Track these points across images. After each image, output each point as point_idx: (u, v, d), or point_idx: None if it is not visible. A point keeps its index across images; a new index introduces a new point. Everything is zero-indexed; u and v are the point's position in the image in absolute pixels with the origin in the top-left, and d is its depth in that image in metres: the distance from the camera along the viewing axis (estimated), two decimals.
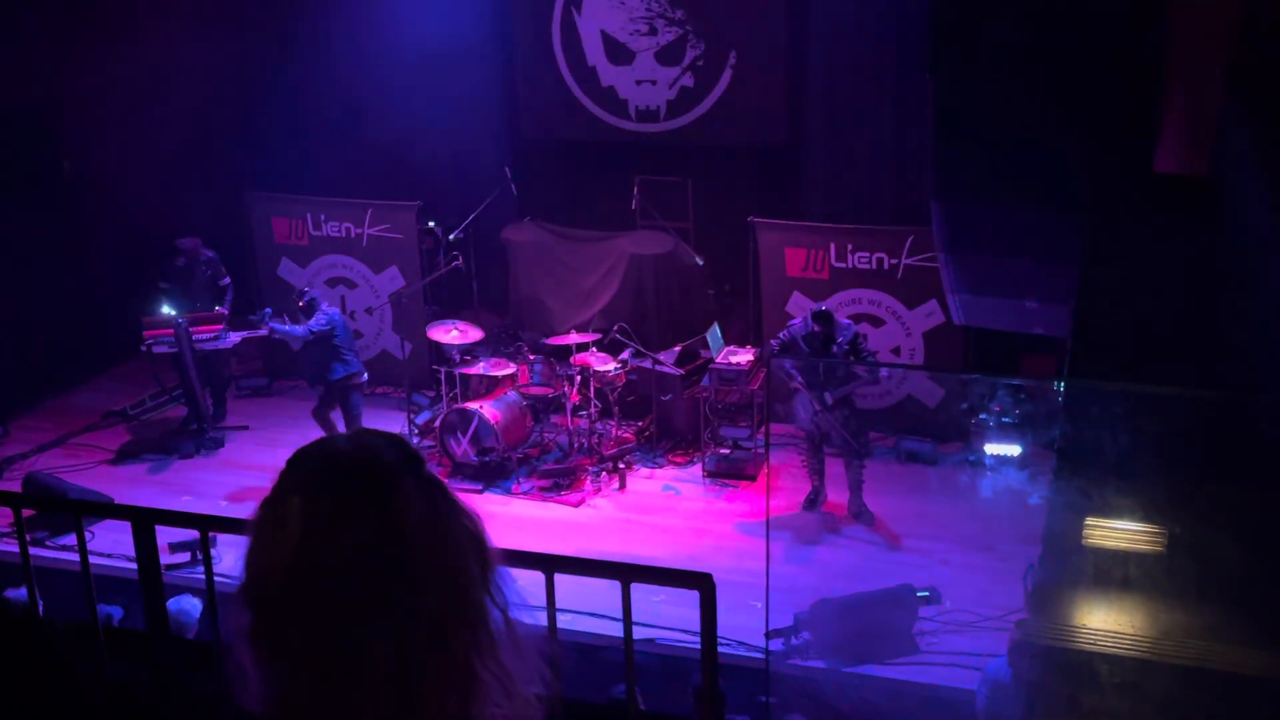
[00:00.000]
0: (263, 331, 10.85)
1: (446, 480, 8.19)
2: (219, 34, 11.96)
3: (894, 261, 10.72)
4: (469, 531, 1.48)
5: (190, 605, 7.12)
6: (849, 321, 9.83)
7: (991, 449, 9.58)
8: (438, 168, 12.84)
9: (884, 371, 10.43)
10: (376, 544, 1.38)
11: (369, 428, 1.60)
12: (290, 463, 1.46)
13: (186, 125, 12.13)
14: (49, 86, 11.67)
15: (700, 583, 2.90)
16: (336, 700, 1.36)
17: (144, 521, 3.44)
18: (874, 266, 10.81)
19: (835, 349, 9.38)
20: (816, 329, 9.31)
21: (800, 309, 11.05)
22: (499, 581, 1.49)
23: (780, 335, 9.76)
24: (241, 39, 12.39)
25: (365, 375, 10.54)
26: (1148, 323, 4.43)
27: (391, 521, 1.39)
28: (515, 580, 1.56)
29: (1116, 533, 3.72)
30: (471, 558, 1.45)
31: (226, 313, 11.39)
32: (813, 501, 9.83)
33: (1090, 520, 3.73)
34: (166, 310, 11.13)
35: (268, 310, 10.83)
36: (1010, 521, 8.54)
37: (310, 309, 10.38)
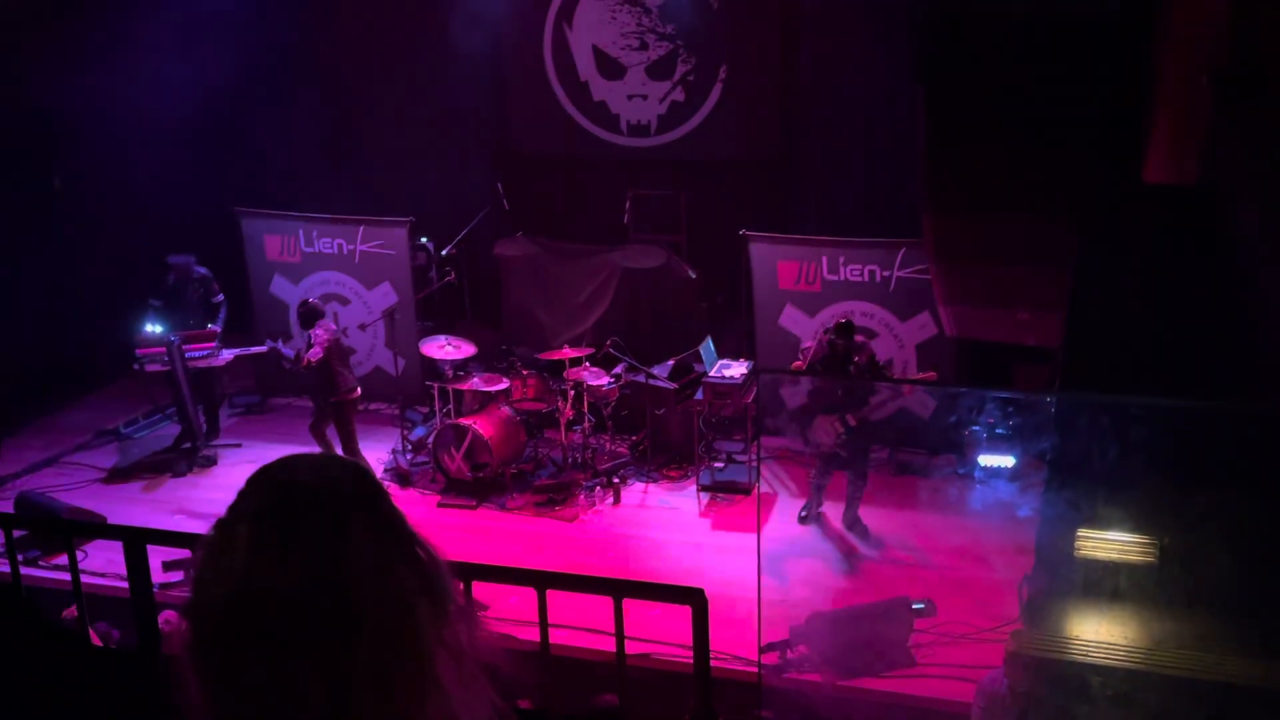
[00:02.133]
0: (263, 349, 10.84)
1: (440, 497, 8.18)
2: (211, 50, 11.96)
3: (886, 274, 10.73)
4: (424, 574, 1.43)
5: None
6: (863, 339, 9.67)
7: (985, 460, 9.58)
8: (430, 183, 12.85)
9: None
10: (319, 582, 1.34)
11: (336, 455, 1.58)
12: (250, 481, 1.44)
13: (179, 141, 12.15)
14: (40, 102, 11.67)
15: (692, 598, 2.89)
16: None
17: (135, 541, 3.43)
18: (866, 279, 10.82)
19: (852, 368, 9.23)
20: (837, 341, 9.18)
21: (793, 322, 11.07)
22: (454, 622, 1.46)
23: (803, 349, 9.68)
24: (233, 55, 12.39)
25: (359, 391, 10.49)
26: (1139, 333, 4.44)
27: (336, 561, 1.36)
28: (478, 615, 1.53)
29: (1109, 544, 3.72)
30: (423, 601, 1.41)
31: (219, 330, 11.37)
32: (806, 516, 9.79)
33: (1082, 531, 3.73)
34: (156, 328, 11.11)
35: (276, 342, 10.75)
36: (1004, 533, 8.55)
37: (310, 316, 10.32)
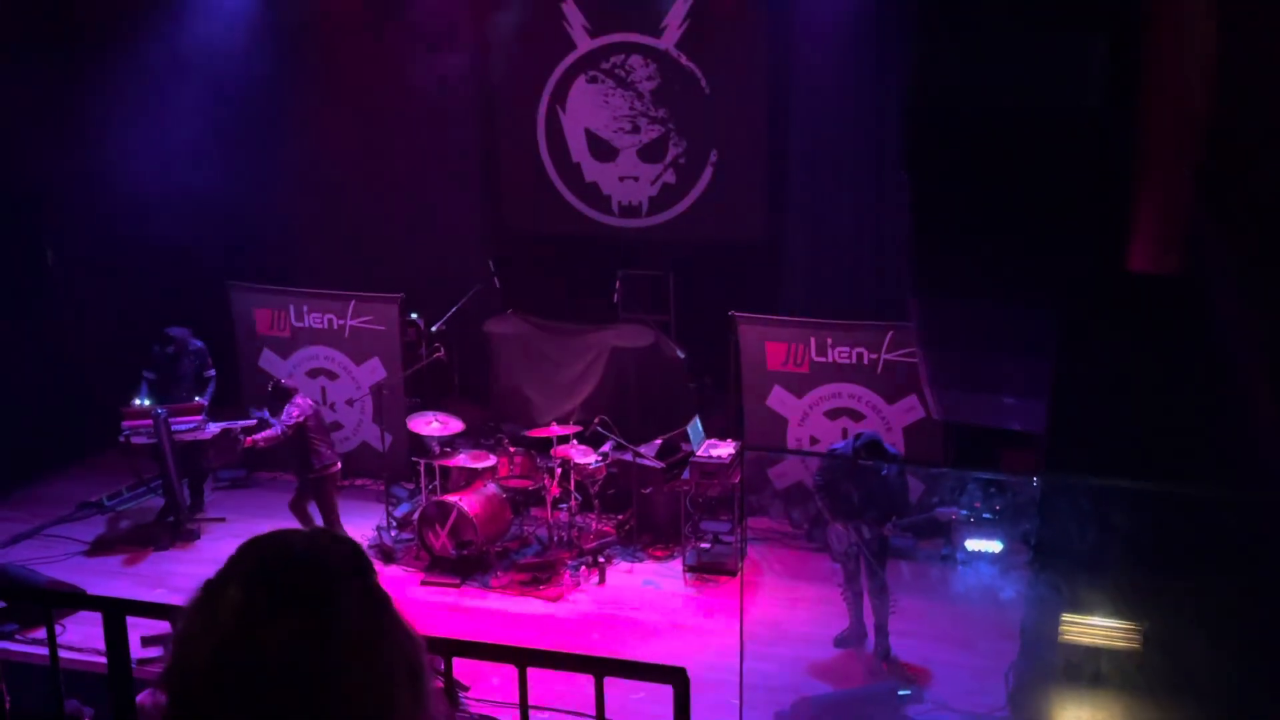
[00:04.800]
0: (251, 422, 10.85)
1: (424, 574, 8.16)
2: (202, 126, 12.10)
3: (874, 356, 10.80)
4: (405, 651, 1.44)
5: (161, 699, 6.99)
6: (896, 450, 9.41)
7: (972, 544, 9.54)
8: (421, 259, 12.94)
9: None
10: (306, 648, 1.35)
11: (326, 530, 1.58)
12: (242, 547, 1.45)
13: (170, 216, 12.22)
14: (33, 175, 11.77)
15: (674, 678, 2.88)
16: None
17: (115, 612, 3.41)
18: (854, 361, 10.89)
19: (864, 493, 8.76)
20: (864, 460, 8.66)
21: (781, 403, 11.10)
22: (432, 702, 1.47)
23: (827, 451, 9.44)
24: (225, 132, 12.55)
25: (339, 466, 10.47)
26: (1121, 419, 4.47)
27: (325, 628, 1.37)
28: (457, 694, 1.55)
29: (1092, 629, 3.71)
30: (403, 678, 1.42)
31: (206, 404, 11.37)
32: (846, 639, 9.14)
33: (1066, 616, 3.73)
34: (147, 401, 11.12)
35: (263, 413, 10.76)
36: (991, 618, 8.51)
37: (280, 395, 10.31)
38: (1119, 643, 3.67)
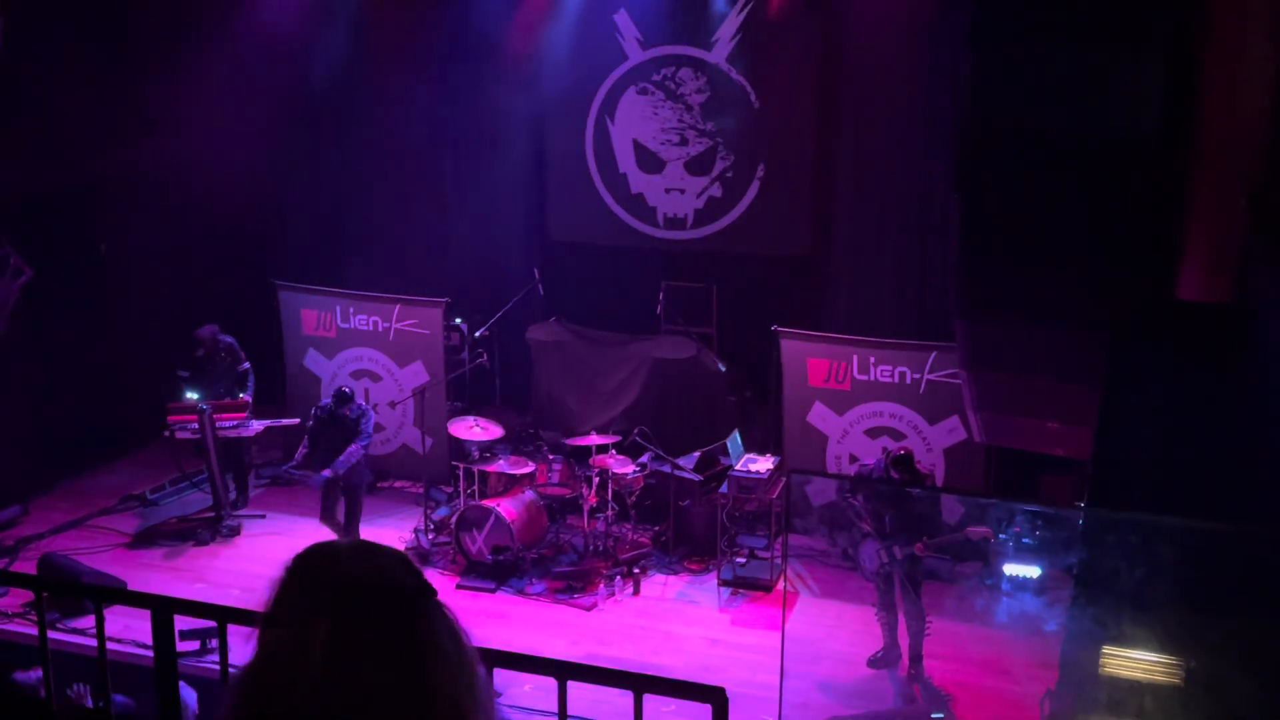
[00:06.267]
0: (293, 421, 10.93)
1: (459, 578, 8.17)
2: (256, 126, 12.24)
3: (916, 376, 10.73)
4: (471, 661, 1.47)
5: (187, 695, 7.04)
6: (927, 469, 9.40)
7: (1010, 570, 9.45)
8: (467, 265, 13.01)
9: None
10: (402, 681, 1.36)
11: (371, 542, 1.56)
12: (292, 575, 1.43)
13: (222, 214, 12.38)
14: (90, 171, 11.93)
15: (713, 697, 2.87)
16: None
17: (164, 610, 3.44)
18: (896, 380, 10.83)
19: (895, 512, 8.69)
20: (894, 474, 8.64)
21: (822, 419, 11.05)
22: (491, 707, 1.48)
23: (862, 465, 9.41)
24: (278, 133, 12.68)
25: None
26: (1169, 451, 4.41)
27: (419, 660, 1.38)
28: (500, 704, 1.57)
29: (1134, 663, 3.67)
30: (476, 685, 1.44)
31: (249, 399, 11.48)
32: (880, 659, 9.02)
33: (1107, 649, 3.69)
34: (192, 396, 11.25)
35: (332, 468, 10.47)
36: (1027, 645, 8.42)
37: (344, 399, 10.38)
38: (1160, 678, 3.62)
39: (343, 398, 10.41)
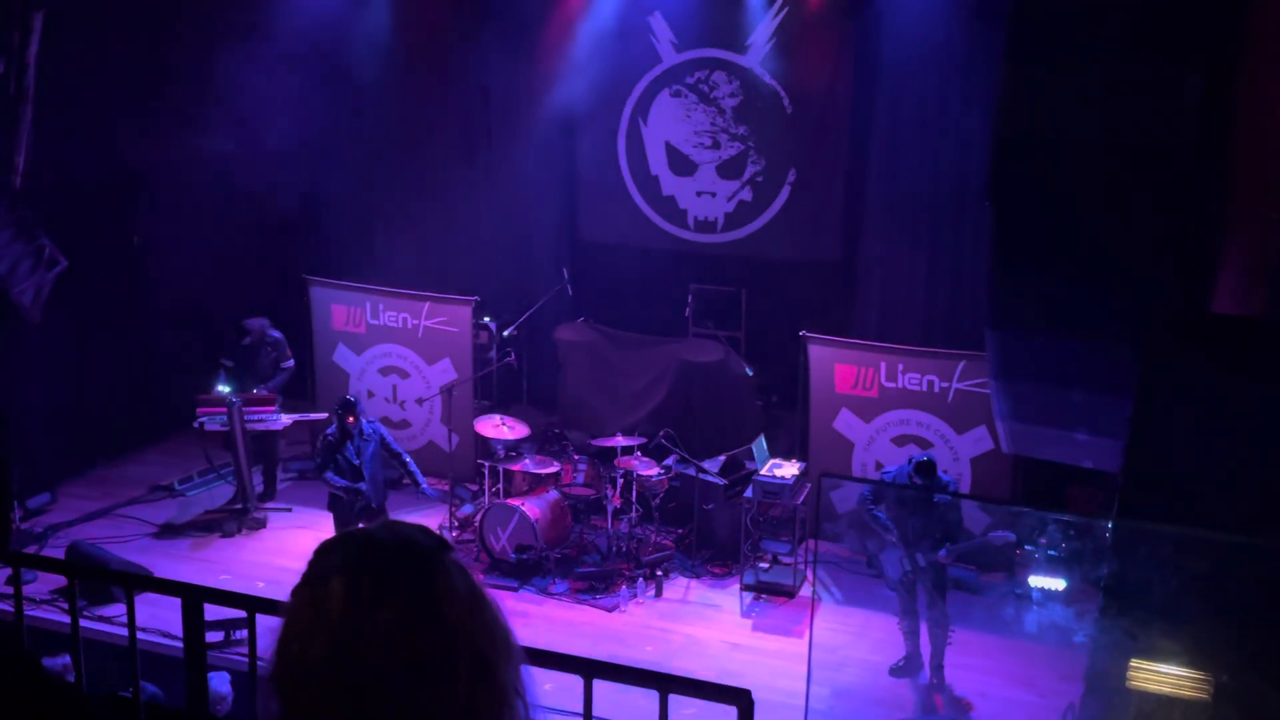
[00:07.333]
0: (321, 416, 10.98)
1: (482, 576, 8.13)
2: (291, 120, 12.30)
3: (945, 385, 10.68)
4: (501, 620, 1.50)
5: (221, 683, 7.09)
6: (950, 477, 9.29)
7: (1036, 581, 9.39)
8: (497, 263, 13.05)
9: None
10: (418, 622, 1.39)
11: (397, 519, 1.63)
12: (321, 551, 1.48)
13: (255, 207, 12.46)
14: (125, 163, 12.04)
15: (739, 699, 2.87)
16: None
17: (194, 599, 3.47)
18: (924, 388, 10.78)
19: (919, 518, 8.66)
20: (915, 479, 8.59)
21: (848, 426, 11.02)
22: (523, 675, 1.51)
23: (882, 470, 9.37)
24: (313, 126, 12.75)
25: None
26: (1200, 464, 4.38)
27: (434, 600, 1.42)
28: (533, 679, 1.59)
29: (1162, 677, 3.64)
30: (503, 645, 1.45)
31: (278, 395, 11.55)
32: (902, 668, 9.00)
33: (1135, 662, 3.66)
34: (224, 388, 11.33)
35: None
36: (1052, 657, 8.36)
37: (350, 409, 9.98)
38: (1188, 692, 3.59)
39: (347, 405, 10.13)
